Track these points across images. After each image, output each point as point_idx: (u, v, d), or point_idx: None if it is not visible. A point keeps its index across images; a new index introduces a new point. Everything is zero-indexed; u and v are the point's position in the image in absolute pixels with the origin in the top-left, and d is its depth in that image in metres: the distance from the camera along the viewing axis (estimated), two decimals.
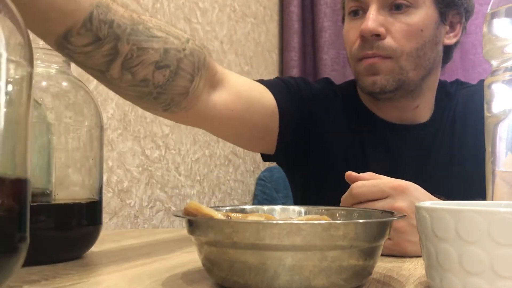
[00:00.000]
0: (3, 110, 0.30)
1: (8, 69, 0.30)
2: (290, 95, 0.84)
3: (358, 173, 0.57)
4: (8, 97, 0.30)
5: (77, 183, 0.54)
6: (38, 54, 0.52)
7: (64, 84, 0.55)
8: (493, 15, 0.45)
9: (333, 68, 1.72)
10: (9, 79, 0.30)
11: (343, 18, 0.86)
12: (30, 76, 0.32)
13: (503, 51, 0.44)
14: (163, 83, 0.59)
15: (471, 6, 0.85)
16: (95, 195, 0.55)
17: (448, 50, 0.85)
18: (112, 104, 1.03)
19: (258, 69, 1.65)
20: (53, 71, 0.54)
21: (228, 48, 1.47)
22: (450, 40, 0.84)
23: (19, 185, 0.32)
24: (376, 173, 0.57)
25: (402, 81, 0.79)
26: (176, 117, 0.68)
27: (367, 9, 0.78)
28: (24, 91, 0.32)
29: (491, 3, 0.46)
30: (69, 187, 0.53)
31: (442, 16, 0.80)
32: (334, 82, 0.94)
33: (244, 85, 0.75)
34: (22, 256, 0.32)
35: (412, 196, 0.55)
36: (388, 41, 0.77)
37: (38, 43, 0.52)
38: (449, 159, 0.84)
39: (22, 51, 0.31)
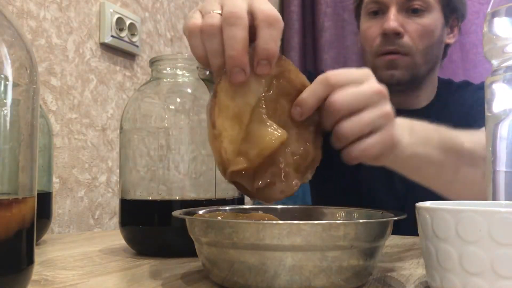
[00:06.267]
0: (9, 129, 0.30)
1: (13, 91, 0.30)
2: None
3: None
4: (14, 117, 0.30)
5: None
6: None
7: None
8: (494, 14, 0.45)
9: (334, 67, 1.70)
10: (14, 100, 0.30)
11: (357, 16, 0.98)
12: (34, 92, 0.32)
13: (504, 50, 0.44)
14: None
15: (466, 11, 1.02)
16: None
17: (446, 48, 0.99)
18: (112, 104, 1.03)
19: None
20: None
21: None
22: (450, 40, 0.97)
23: (27, 205, 0.31)
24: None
25: (415, 75, 0.91)
26: None
27: (386, 11, 0.89)
28: (29, 109, 0.32)
29: (491, 3, 0.46)
30: None
31: (446, 19, 0.93)
32: None
33: None
34: (29, 277, 0.32)
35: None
36: (406, 39, 0.88)
37: None
38: None
39: (27, 71, 0.31)
